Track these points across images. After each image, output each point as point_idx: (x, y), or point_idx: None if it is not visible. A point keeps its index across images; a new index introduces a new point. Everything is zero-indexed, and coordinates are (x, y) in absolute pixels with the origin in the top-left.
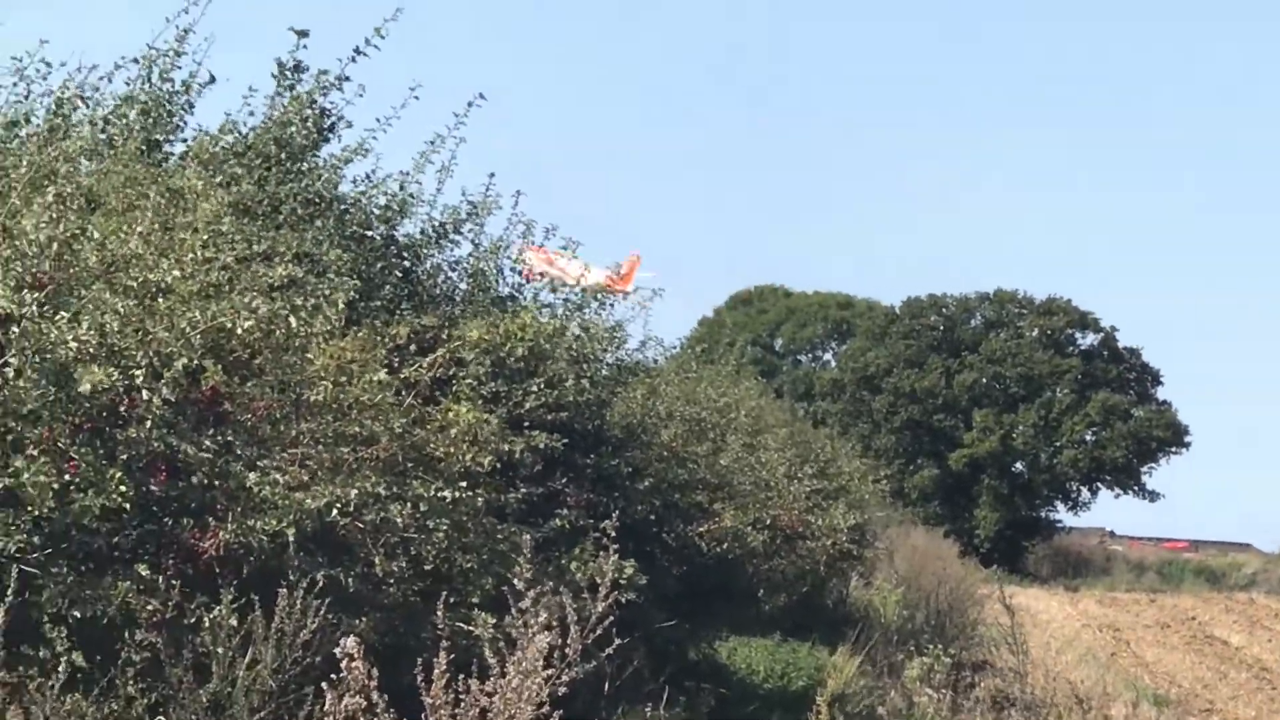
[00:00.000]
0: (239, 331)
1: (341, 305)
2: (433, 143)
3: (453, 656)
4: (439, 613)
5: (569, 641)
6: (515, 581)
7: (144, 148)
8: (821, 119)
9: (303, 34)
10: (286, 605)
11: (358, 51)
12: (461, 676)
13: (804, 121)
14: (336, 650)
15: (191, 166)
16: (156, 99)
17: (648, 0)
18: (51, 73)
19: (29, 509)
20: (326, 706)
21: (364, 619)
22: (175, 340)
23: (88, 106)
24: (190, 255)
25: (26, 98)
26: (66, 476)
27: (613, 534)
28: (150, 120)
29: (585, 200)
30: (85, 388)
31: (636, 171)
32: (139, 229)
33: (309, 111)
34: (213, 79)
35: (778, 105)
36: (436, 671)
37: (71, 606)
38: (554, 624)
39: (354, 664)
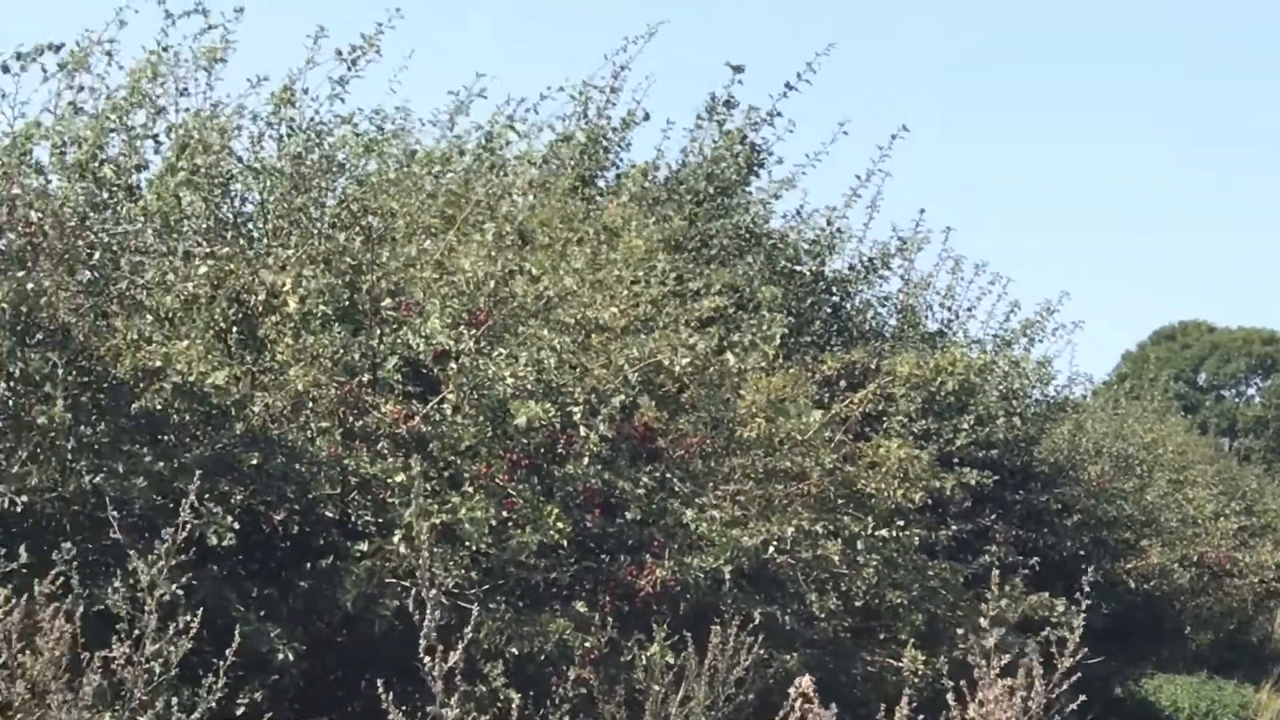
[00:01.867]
0: (675, 368)
1: (777, 341)
2: (861, 177)
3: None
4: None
5: (1033, 692)
6: (981, 620)
7: (576, 184)
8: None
9: (738, 69)
10: (720, 642)
11: (789, 87)
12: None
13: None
14: (790, 689)
15: (623, 202)
16: (593, 136)
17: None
18: (473, 101)
19: (467, 545)
20: None
21: (795, 655)
22: (612, 376)
23: (521, 139)
24: (624, 291)
25: (452, 130)
26: (504, 513)
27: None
28: (586, 157)
29: (1015, 232)
30: (521, 423)
31: (1061, 203)
32: (574, 265)
33: (740, 147)
34: (647, 116)
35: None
36: (901, 714)
37: (509, 643)
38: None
39: (808, 704)
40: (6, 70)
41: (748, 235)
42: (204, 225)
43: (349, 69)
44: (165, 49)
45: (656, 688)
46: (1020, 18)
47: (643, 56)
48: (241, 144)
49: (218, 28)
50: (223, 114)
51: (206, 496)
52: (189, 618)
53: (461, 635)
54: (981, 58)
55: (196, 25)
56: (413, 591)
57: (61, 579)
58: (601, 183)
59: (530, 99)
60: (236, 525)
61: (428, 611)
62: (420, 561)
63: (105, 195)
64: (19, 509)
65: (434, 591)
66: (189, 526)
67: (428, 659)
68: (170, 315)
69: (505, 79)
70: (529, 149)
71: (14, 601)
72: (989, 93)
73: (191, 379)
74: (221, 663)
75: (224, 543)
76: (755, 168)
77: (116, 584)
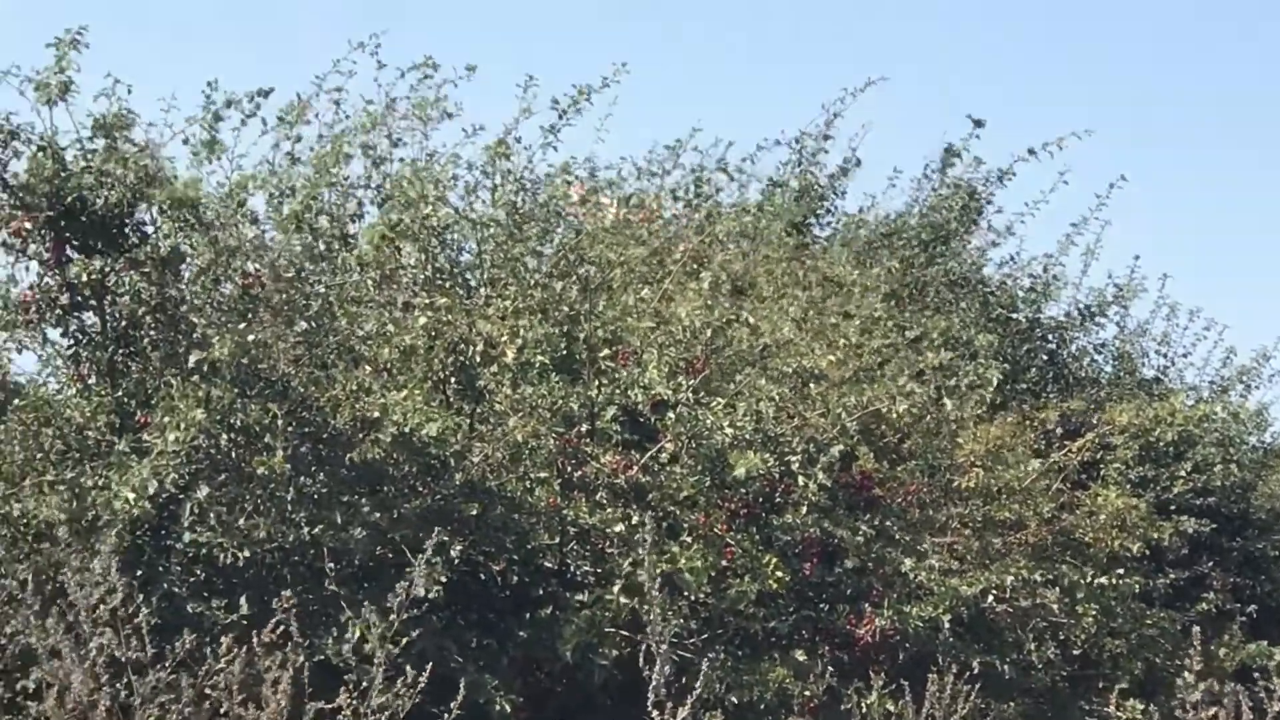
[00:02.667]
0: (893, 416)
1: (994, 384)
2: (1077, 225)
3: None
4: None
5: None
6: (1185, 675)
7: (790, 231)
8: None
9: (979, 124)
10: (938, 690)
11: (1031, 153)
12: None
13: None
14: None
15: (838, 249)
16: (808, 185)
17: None
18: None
19: (686, 594)
20: None
21: (1012, 704)
22: (830, 425)
23: (733, 184)
24: (843, 341)
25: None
26: (723, 562)
27: None
28: (802, 205)
29: (1229, 274)
30: (740, 474)
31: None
32: (792, 315)
33: (962, 196)
34: (859, 163)
35: None
36: None
37: (728, 691)
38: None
39: None
40: (220, 119)
41: (962, 282)
42: (421, 276)
43: (561, 118)
44: (392, 101)
45: None
46: (1230, 59)
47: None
48: (457, 194)
49: (432, 77)
50: (438, 164)
51: (425, 547)
52: (414, 671)
53: (682, 684)
54: (1200, 101)
55: (412, 77)
56: (642, 646)
57: (282, 628)
58: (816, 230)
59: (741, 146)
60: (444, 579)
61: (657, 666)
62: (651, 616)
63: (321, 246)
64: (241, 561)
65: (664, 646)
66: (412, 578)
67: (656, 713)
68: (389, 366)
69: (719, 127)
70: (741, 198)
71: (235, 652)
72: (1204, 135)
73: (409, 429)
74: (446, 714)
75: (429, 594)
76: (975, 215)
77: (338, 635)
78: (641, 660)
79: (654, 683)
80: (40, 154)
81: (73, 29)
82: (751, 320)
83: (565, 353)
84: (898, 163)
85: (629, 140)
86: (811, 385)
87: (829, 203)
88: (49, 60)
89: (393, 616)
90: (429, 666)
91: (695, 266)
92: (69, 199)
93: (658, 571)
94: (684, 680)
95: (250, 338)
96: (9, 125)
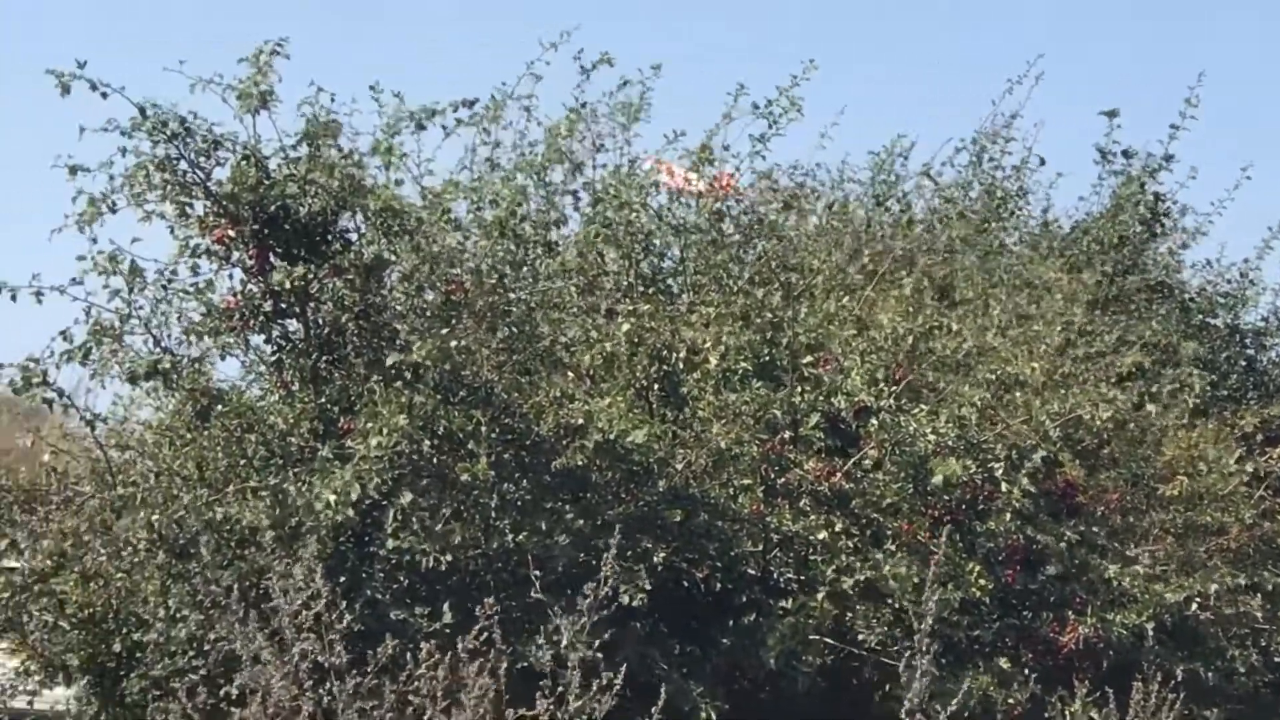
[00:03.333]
0: (1095, 423)
1: (1196, 391)
2: (1272, 228)
3: None
4: None
5: None
6: None
7: (979, 233)
8: None
9: (1112, 114)
10: (1142, 698)
11: (1174, 129)
12: None
13: None
14: None
15: (1037, 253)
16: (990, 187)
17: None
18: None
19: (889, 601)
20: None
21: (1216, 710)
22: (1033, 432)
23: (933, 193)
24: (1043, 346)
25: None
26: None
27: None
28: (986, 208)
29: None
30: (940, 481)
31: None
32: (994, 321)
33: (1141, 197)
34: (1042, 162)
35: None
36: None
37: (931, 700)
38: None
39: None
40: (422, 128)
41: (1159, 288)
42: (624, 282)
43: (770, 126)
44: (583, 105)
45: None
46: None
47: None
48: (659, 200)
49: (635, 83)
50: (640, 170)
51: (629, 554)
52: (611, 675)
53: (885, 691)
54: None
55: (613, 81)
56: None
57: (484, 635)
58: (1012, 236)
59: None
60: (649, 585)
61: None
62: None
63: (524, 252)
64: (444, 567)
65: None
66: (609, 584)
67: None
68: (592, 372)
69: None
70: (929, 201)
71: (437, 658)
72: None
73: (613, 437)
74: None
75: (633, 602)
76: (1160, 218)
77: (541, 642)
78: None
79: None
80: (244, 162)
81: (274, 39)
82: (954, 327)
83: (768, 359)
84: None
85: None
86: (1016, 392)
87: (1012, 205)
88: (250, 69)
89: (585, 619)
90: (624, 668)
91: (895, 272)
92: (273, 207)
93: (860, 578)
94: (887, 688)
95: (453, 343)
96: (213, 134)
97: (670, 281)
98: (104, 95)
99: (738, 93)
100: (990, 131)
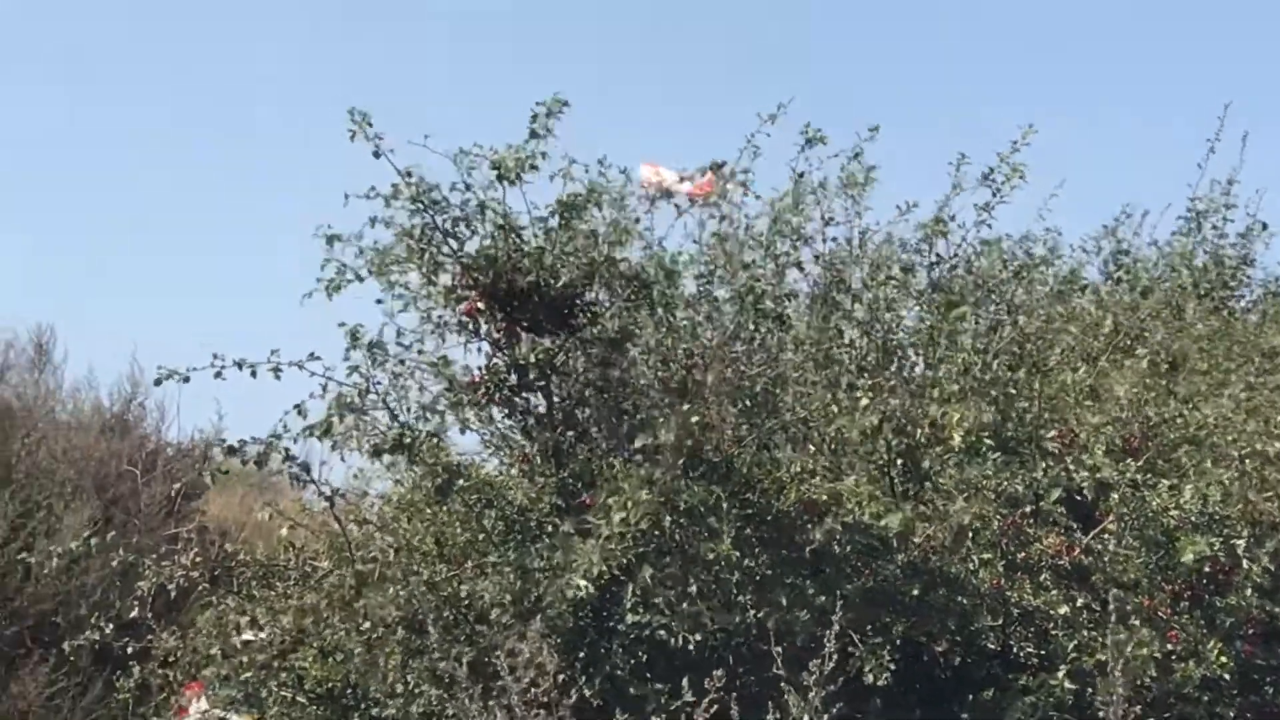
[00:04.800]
0: None
1: None
2: None
3: None
4: None
5: None
6: None
7: (1205, 301)
8: None
9: None
10: None
11: None
12: None
13: None
14: None
15: (1266, 323)
16: (1215, 255)
17: None
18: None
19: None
20: None
21: None
22: (1276, 510)
23: (1162, 263)
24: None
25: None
26: (1167, 645)
27: None
28: (1212, 275)
29: None
30: (1188, 557)
31: None
32: (1228, 392)
33: None
34: (1265, 226)
35: None
36: None
37: None
38: None
39: None
40: (654, 203)
41: None
42: (862, 355)
43: (994, 195)
44: (801, 175)
45: None
46: None
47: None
48: (892, 272)
49: (860, 154)
50: (871, 242)
51: (868, 629)
52: None
53: None
54: None
55: (840, 152)
56: None
57: (717, 709)
58: (1233, 302)
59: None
60: (893, 665)
61: None
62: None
63: (758, 326)
64: (691, 646)
65: None
66: (849, 659)
67: None
68: (834, 448)
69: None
70: (1153, 271)
71: None
72: None
73: (862, 517)
74: None
75: (879, 681)
76: None
77: (781, 717)
78: None
79: None
80: (497, 233)
81: (544, 104)
82: (1191, 399)
83: (1008, 433)
84: None
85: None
86: (1267, 469)
87: (1240, 272)
88: (507, 140)
89: (814, 694)
90: None
91: (1129, 343)
92: (525, 279)
93: (1102, 656)
94: None
95: (694, 420)
96: (469, 205)
97: (908, 352)
98: (376, 154)
99: (960, 161)
100: (1207, 198)
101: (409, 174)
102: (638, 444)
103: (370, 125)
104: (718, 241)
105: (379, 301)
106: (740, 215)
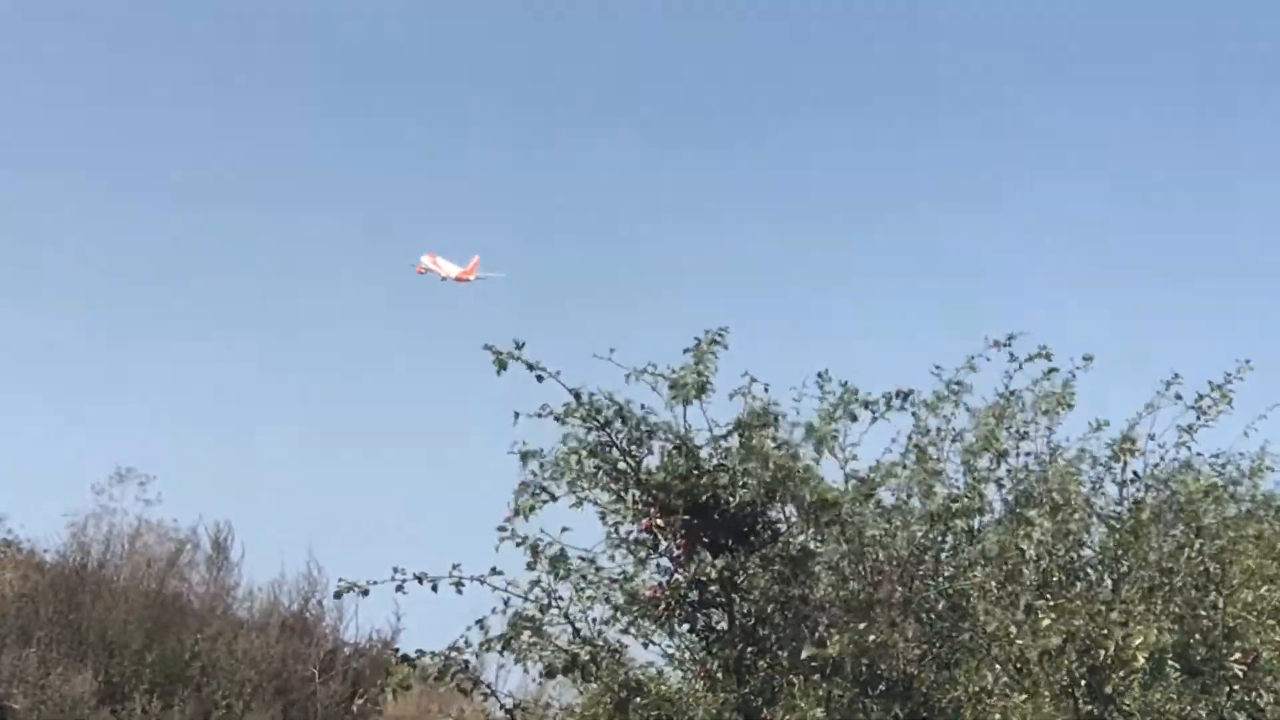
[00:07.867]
0: None
1: None
2: None
3: None
4: None
5: None
6: None
7: None
8: None
9: None
10: None
11: None
12: None
13: None
14: None
15: None
16: None
17: None
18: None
19: None
20: None
21: None
22: None
23: None
24: None
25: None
26: None
27: None
28: None
29: None
30: None
31: None
32: None
33: None
34: None
35: None
36: None
37: None
38: None
39: None
40: (855, 419)
41: None
42: (1046, 574)
43: (1198, 417)
44: (1012, 393)
45: None
46: None
47: None
48: (1081, 489)
49: (1059, 370)
50: (1062, 458)
51: None
52: None
53: None
54: None
55: (1031, 368)
56: None
57: None
58: None
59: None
60: None
61: None
62: None
63: (946, 539)
64: None
65: None
66: None
67: None
68: (1017, 667)
69: None
70: None
71: None
72: None
73: None
74: None
75: None
76: None
77: None
78: None
79: None
80: (675, 451)
81: (713, 330)
82: None
83: (1193, 654)
84: None
85: None
86: None
87: None
88: (684, 360)
89: None
90: None
91: None
92: (703, 497)
93: None
94: None
95: (870, 637)
96: (647, 423)
97: (1090, 570)
98: (539, 378)
99: (1171, 381)
100: None
101: (579, 394)
102: (805, 655)
103: (516, 357)
104: (917, 455)
105: (565, 529)
106: (939, 426)
